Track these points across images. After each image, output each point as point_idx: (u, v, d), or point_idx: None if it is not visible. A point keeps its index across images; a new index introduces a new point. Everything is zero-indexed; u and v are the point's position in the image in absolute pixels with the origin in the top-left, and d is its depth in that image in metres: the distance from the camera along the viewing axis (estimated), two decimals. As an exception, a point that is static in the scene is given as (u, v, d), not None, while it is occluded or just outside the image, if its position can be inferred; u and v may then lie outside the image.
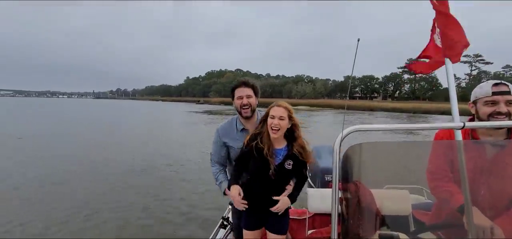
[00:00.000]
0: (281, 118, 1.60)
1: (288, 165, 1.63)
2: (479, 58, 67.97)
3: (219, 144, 1.94)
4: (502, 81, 1.33)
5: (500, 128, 1.35)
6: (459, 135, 1.08)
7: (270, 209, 1.62)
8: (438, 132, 1.53)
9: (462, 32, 1.30)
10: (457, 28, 1.29)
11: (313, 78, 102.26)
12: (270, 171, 1.60)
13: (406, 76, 78.95)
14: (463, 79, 73.38)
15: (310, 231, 2.08)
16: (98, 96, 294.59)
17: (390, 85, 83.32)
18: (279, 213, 1.66)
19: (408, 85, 79.55)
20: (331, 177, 0.97)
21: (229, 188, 1.70)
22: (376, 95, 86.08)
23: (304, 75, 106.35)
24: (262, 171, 1.62)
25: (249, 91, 1.83)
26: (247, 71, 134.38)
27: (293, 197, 1.69)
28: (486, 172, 1.22)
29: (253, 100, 1.84)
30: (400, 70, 79.17)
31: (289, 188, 1.69)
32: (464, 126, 0.97)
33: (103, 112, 39.91)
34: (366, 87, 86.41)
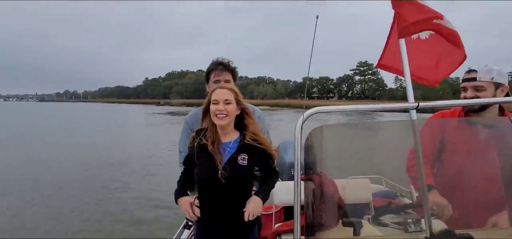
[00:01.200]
0: (227, 102, 1.28)
1: (242, 160, 1.30)
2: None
3: (190, 134, 1.62)
4: (473, 68, 1.39)
5: (471, 109, 1.43)
6: (413, 115, 1.11)
7: (245, 220, 1.28)
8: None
9: (423, 9, 1.22)
10: (414, 8, 1.22)
11: (274, 79, 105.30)
12: (219, 172, 1.26)
13: (357, 77, 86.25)
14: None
15: (277, 225, 2.05)
16: (42, 98, 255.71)
17: (344, 85, 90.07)
18: (250, 224, 1.33)
19: (359, 85, 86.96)
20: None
21: (176, 201, 1.39)
22: (332, 95, 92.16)
23: (266, 77, 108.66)
24: (211, 173, 1.27)
25: (227, 76, 1.57)
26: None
27: (263, 194, 1.38)
28: (474, 152, 1.24)
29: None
30: (352, 72, 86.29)
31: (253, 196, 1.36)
32: (418, 106, 0.99)
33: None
34: (322, 87, 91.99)
